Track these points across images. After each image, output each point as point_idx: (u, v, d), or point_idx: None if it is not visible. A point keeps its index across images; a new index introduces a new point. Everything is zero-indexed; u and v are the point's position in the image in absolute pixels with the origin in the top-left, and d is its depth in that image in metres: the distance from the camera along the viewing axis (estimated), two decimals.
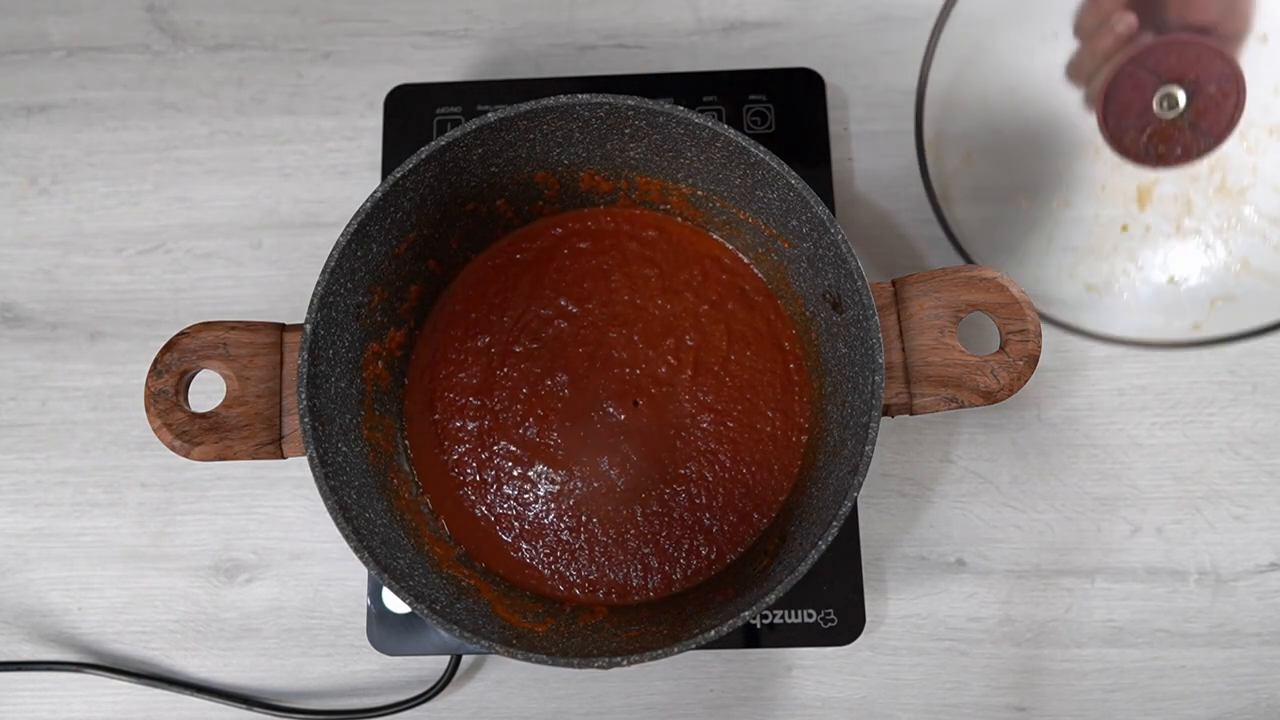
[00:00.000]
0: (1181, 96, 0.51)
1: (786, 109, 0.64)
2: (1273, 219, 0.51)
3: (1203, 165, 0.52)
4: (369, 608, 0.57)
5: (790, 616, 0.57)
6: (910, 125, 0.65)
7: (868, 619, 0.57)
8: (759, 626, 0.57)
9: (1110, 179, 0.55)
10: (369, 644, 0.57)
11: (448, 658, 0.56)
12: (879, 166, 0.64)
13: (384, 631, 0.57)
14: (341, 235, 0.47)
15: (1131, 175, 0.55)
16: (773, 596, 0.43)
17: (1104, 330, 0.55)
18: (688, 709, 0.57)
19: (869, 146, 0.64)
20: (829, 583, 0.57)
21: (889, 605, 0.58)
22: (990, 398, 0.46)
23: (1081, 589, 0.58)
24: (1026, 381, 0.46)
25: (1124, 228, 0.55)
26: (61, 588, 0.59)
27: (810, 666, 0.57)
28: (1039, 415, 0.60)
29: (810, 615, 0.57)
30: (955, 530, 0.58)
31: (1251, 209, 0.51)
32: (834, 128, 0.64)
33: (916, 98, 0.56)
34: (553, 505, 0.54)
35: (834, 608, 0.57)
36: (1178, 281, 0.53)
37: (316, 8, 0.68)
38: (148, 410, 0.46)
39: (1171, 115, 0.51)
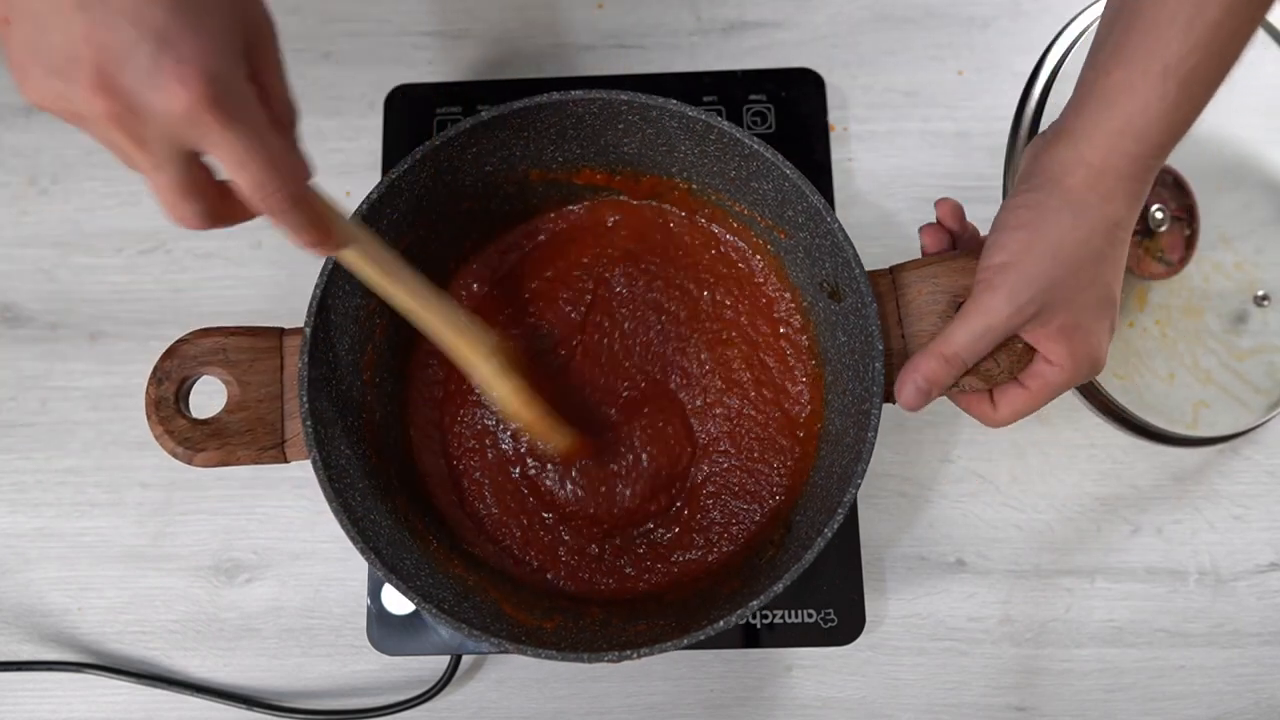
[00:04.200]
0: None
1: (786, 109, 0.64)
2: None
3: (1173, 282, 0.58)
4: (369, 608, 0.57)
5: (790, 616, 0.57)
6: (910, 125, 0.65)
7: (868, 619, 0.57)
8: (759, 626, 0.57)
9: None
10: (369, 644, 0.57)
11: (447, 658, 0.56)
12: (879, 166, 0.64)
13: (384, 631, 0.57)
14: None
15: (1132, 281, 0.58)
16: (781, 585, 0.43)
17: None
18: (688, 709, 0.57)
19: (869, 146, 0.64)
20: (829, 583, 0.57)
21: (889, 605, 0.58)
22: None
23: (1081, 589, 0.58)
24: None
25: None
26: (61, 588, 0.59)
27: (810, 666, 0.57)
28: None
29: (810, 615, 0.57)
30: (955, 530, 0.58)
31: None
32: (834, 128, 0.64)
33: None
34: (556, 501, 0.54)
35: (834, 608, 0.57)
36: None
37: (317, 8, 0.68)
38: (149, 418, 0.46)
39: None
